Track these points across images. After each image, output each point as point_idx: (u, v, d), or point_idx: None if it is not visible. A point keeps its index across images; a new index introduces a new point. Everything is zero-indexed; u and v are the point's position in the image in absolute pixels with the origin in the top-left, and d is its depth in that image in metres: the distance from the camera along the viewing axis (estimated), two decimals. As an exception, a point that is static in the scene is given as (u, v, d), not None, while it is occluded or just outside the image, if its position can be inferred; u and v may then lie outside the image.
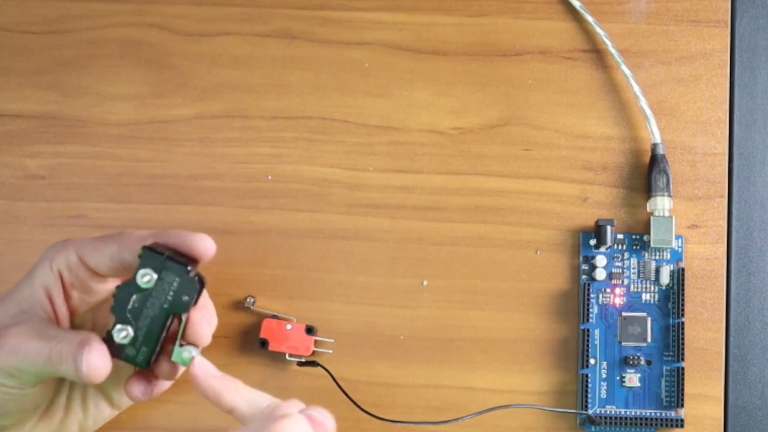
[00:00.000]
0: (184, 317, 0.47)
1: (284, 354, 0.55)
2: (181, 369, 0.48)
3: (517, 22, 0.58)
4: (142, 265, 0.46)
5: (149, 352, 0.46)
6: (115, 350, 0.46)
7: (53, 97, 0.57)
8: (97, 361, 0.45)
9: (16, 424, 0.48)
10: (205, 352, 0.55)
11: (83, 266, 0.48)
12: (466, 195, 0.56)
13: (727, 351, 0.56)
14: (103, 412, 0.51)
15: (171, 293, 0.46)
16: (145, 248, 0.46)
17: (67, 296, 0.49)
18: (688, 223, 0.56)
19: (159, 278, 0.46)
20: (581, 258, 0.56)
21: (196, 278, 0.47)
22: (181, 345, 0.47)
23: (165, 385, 0.50)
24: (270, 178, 0.57)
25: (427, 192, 0.57)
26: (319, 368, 0.54)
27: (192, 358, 0.46)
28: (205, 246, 0.47)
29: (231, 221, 0.56)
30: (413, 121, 0.57)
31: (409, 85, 0.57)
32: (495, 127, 0.57)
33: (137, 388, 0.48)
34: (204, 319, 0.48)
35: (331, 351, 0.55)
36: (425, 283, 0.56)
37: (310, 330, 0.55)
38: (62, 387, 0.50)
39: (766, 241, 0.56)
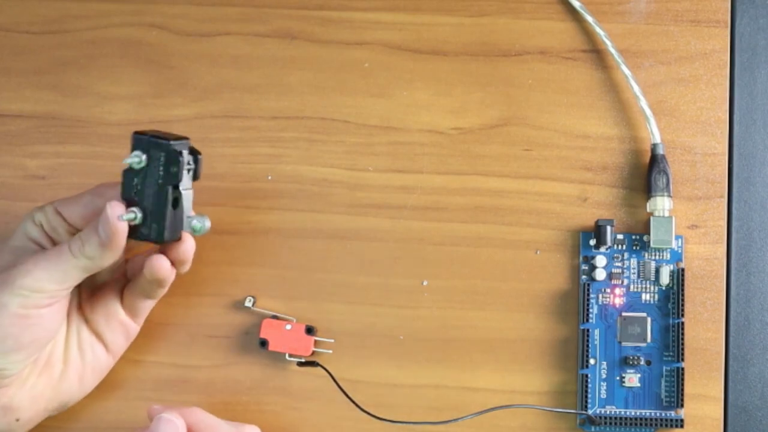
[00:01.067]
0: (183, 190, 0.49)
1: (284, 354, 0.55)
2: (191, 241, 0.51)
3: (517, 22, 0.57)
4: (132, 149, 0.48)
5: (160, 227, 0.49)
6: (131, 234, 0.49)
7: (53, 97, 0.57)
8: (118, 206, 0.48)
9: (20, 372, 0.49)
10: (206, 352, 0.56)
11: (59, 217, 0.50)
12: (466, 195, 0.56)
13: (727, 351, 0.56)
14: (100, 360, 0.53)
15: (161, 168, 0.48)
16: (134, 133, 0.48)
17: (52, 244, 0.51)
18: (688, 223, 0.56)
19: (148, 156, 0.48)
20: (581, 258, 0.56)
21: (184, 150, 0.49)
22: (189, 216, 0.49)
23: (186, 265, 0.51)
24: (270, 178, 0.57)
25: (427, 192, 0.57)
26: (319, 368, 0.54)
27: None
28: None
29: (231, 221, 0.56)
30: (413, 121, 0.57)
31: (409, 85, 0.57)
32: (495, 127, 0.57)
33: (162, 263, 0.50)
34: None
35: (331, 351, 0.55)
36: (425, 283, 0.56)
37: (310, 330, 0.55)
38: (60, 336, 0.51)
39: (766, 241, 0.56)
